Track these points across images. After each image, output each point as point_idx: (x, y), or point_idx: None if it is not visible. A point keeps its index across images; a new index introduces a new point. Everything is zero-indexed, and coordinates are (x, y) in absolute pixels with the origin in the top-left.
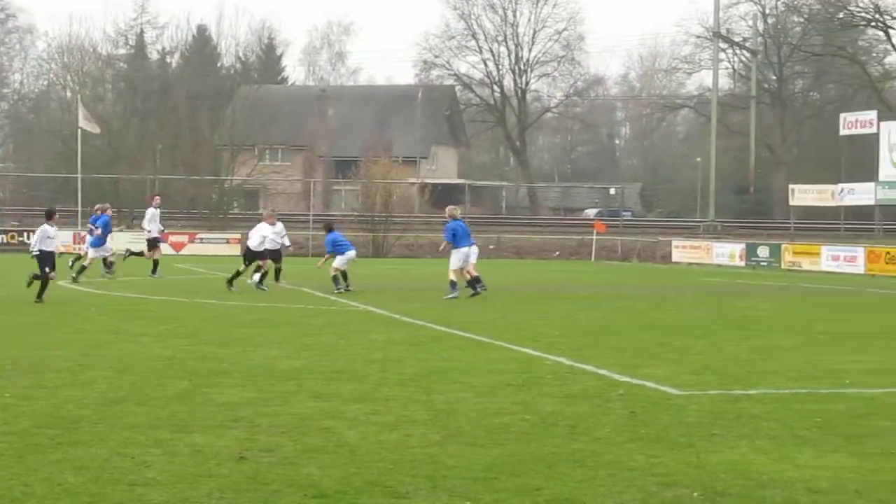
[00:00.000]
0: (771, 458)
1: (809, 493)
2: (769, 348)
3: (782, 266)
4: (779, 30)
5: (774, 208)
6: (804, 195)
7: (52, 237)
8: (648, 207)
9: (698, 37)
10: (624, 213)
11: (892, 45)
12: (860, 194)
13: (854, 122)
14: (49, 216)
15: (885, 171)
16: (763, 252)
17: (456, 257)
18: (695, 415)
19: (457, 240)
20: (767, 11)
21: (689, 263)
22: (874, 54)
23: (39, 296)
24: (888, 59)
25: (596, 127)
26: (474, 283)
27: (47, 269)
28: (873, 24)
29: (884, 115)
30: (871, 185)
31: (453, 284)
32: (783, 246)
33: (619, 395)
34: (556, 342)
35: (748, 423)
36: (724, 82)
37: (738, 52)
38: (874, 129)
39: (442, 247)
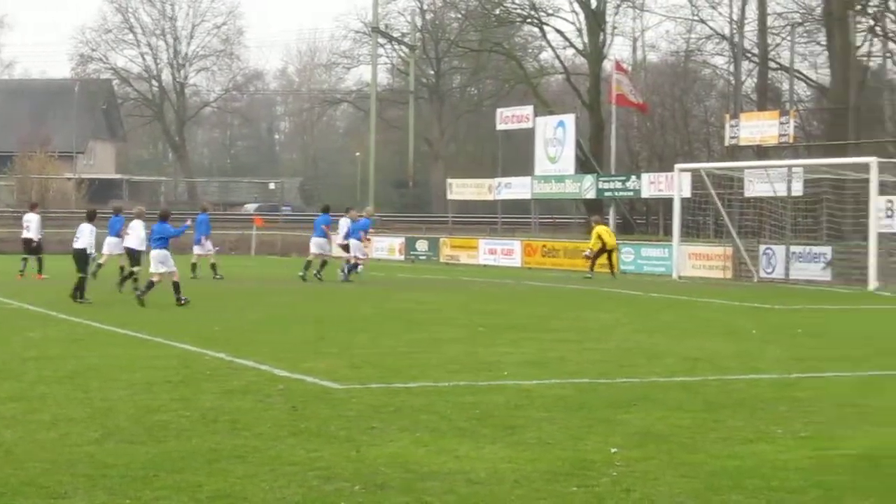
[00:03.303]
0: (431, 450)
1: (469, 484)
2: (430, 341)
3: (441, 259)
4: (437, 25)
5: (433, 202)
6: (462, 189)
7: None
8: (308, 202)
9: (357, 32)
10: (284, 208)
11: (547, 42)
12: (517, 188)
13: (510, 117)
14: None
15: (540, 166)
16: (422, 246)
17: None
18: (355, 408)
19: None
20: (425, 7)
21: None
22: (530, 50)
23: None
24: (543, 56)
25: (256, 122)
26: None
27: None
28: (529, 20)
29: (539, 110)
30: (528, 179)
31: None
32: (441, 240)
33: (280, 390)
34: (217, 338)
35: (408, 416)
36: (383, 77)
37: (396, 47)
38: (530, 124)
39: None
